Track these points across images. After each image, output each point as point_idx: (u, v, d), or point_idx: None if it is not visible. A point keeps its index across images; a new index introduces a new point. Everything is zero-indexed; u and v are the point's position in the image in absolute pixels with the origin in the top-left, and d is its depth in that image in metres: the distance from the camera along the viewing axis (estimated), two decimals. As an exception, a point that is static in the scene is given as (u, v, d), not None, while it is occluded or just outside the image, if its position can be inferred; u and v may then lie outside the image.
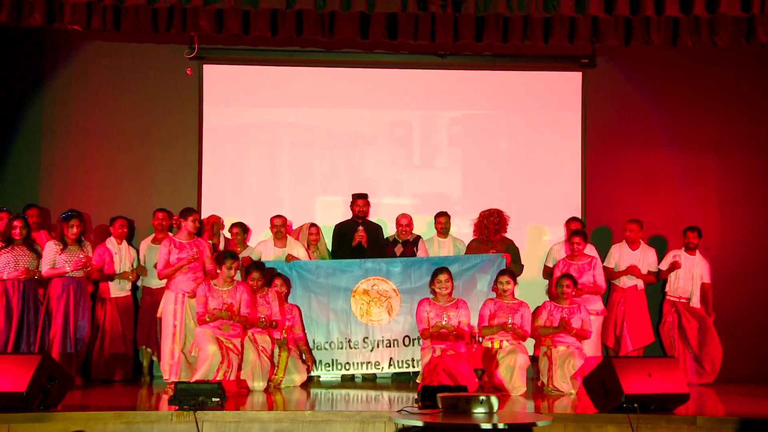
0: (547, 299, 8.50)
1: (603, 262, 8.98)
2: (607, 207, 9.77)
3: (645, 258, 9.03)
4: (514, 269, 8.66)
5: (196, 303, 7.72)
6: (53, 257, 7.67)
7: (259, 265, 8.18)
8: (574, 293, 8.05)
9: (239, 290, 7.73)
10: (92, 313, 8.26)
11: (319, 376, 8.63)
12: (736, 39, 8.48)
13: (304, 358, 8.35)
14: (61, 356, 7.56)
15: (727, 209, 9.93)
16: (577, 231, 8.79)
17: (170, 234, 8.55)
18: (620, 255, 9.04)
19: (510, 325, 7.77)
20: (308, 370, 8.33)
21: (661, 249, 9.36)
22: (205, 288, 7.72)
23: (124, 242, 8.88)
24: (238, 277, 7.90)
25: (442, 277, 7.93)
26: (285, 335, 8.15)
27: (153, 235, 9.00)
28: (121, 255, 8.76)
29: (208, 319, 7.56)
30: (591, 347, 8.22)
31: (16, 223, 7.76)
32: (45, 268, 7.68)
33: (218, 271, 7.77)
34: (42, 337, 7.66)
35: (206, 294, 7.67)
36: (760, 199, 9.93)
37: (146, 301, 8.89)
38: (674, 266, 8.90)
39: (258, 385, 7.65)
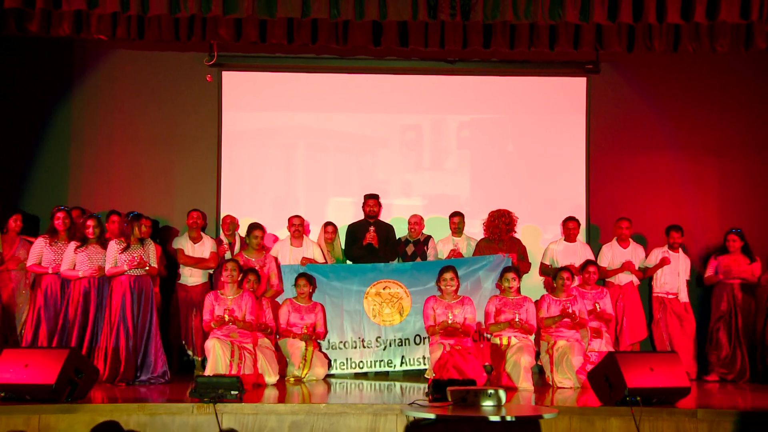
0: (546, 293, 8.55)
1: (597, 259, 8.96)
2: (611, 208, 9.72)
3: (636, 255, 9.00)
4: (521, 267, 8.69)
5: (204, 311, 7.78)
6: (114, 256, 7.62)
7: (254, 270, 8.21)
8: (571, 285, 8.09)
9: (245, 298, 7.75)
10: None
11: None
12: (736, 45, 8.50)
13: (329, 351, 8.39)
14: (115, 351, 7.51)
15: (727, 211, 9.91)
16: (569, 218, 9.04)
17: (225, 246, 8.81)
18: (612, 253, 8.99)
19: (517, 322, 7.77)
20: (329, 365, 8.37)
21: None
22: (212, 297, 7.77)
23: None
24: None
25: (448, 275, 7.94)
26: (306, 330, 8.15)
27: (186, 232, 8.92)
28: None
29: (213, 326, 7.59)
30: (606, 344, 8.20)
31: (89, 222, 7.78)
32: (108, 266, 7.65)
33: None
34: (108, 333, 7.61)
35: (213, 302, 7.72)
36: (759, 201, 9.90)
37: (180, 296, 8.81)
38: (663, 262, 8.86)
39: (270, 379, 7.65)
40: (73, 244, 7.79)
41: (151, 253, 7.78)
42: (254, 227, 8.55)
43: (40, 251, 7.84)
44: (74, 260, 7.73)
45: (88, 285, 7.71)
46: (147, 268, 7.67)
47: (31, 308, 7.86)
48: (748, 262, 8.66)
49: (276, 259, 8.61)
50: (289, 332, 8.14)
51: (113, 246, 7.64)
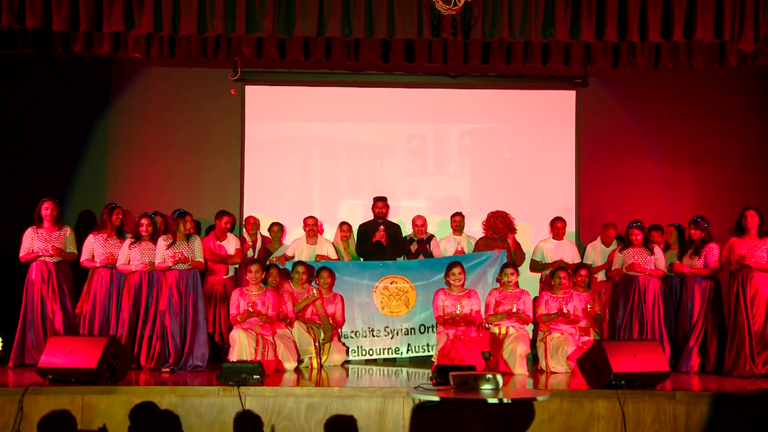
0: (543, 288, 8.51)
1: (581, 259, 8.93)
2: (598, 209, 9.74)
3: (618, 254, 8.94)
4: (514, 257, 8.71)
5: (230, 305, 7.76)
6: (162, 252, 7.60)
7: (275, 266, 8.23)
8: (567, 284, 8.06)
9: (267, 295, 7.76)
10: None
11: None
12: (710, 62, 8.46)
13: (343, 340, 8.37)
14: (163, 340, 7.49)
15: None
16: (557, 218, 9.01)
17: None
18: (595, 251, 8.96)
19: (515, 312, 7.77)
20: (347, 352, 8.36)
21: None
22: (237, 293, 7.77)
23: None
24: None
25: (456, 270, 7.94)
26: (328, 318, 8.16)
27: (213, 232, 8.83)
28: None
29: (239, 320, 7.59)
30: None
31: (143, 221, 7.80)
32: (157, 261, 7.64)
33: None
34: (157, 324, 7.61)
35: (238, 298, 7.73)
36: (731, 205, 9.79)
37: (207, 290, 8.61)
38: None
39: (289, 365, 7.65)
40: (128, 240, 7.80)
41: (197, 249, 7.68)
42: (296, 264, 8.32)
43: (91, 246, 7.88)
44: (128, 255, 7.74)
45: (139, 279, 7.71)
46: (190, 263, 7.60)
47: (84, 299, 7.90)
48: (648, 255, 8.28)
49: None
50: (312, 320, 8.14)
51: (161, 242, 7.62)
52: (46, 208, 7.79)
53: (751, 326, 7.51)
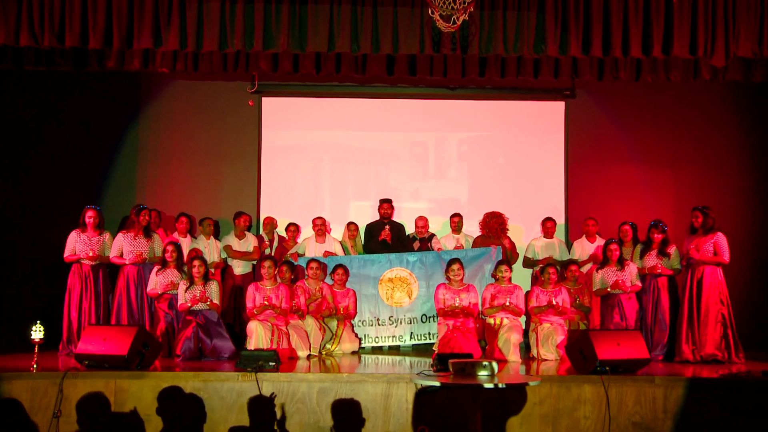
0: (534, 283, 8.52)
1: (569, 253, 8.91)
2: (585, 210, 9.65)
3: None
4: (509, 256, 8.70)
5: (247, 299, 7.74)
6: (182, 294, 7.59)
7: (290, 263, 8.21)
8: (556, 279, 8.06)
9: (280, 289, 7.73)
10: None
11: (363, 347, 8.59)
12: (686, 76, 8.46)
13: (355, 330, 8.37)
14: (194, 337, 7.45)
15: (680, 214, 9.80)
16: (548, 218, 8.93)
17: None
18: (582, 248, 8.90)
19: (508, 304, 7.77)
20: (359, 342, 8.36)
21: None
22: (253, 288, 7.74)
23: (212, 237, 8.78)
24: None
25: (455, 266, 7.96)
26: (342, 312, 8.17)
27: (233, 231, 8.90)
28: (210, 248, 8.65)
29: (256, 312, 7.58)
30: None
31: (168, 248, 7.82)
32: (179, 302, 7.67)
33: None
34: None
35: (254, 292, 7.70)
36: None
37: (229, 283, 8.80)
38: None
39: (302, 353, 7.64)
40: (155, 267, 7.80)
41: (214, 292, 7.64)
42: (310, 261, 8.28)
43: (120, 244, 7.90)
44: (156, 281, 7.75)
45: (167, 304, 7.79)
46: (208, 303, 7.55)
47: (116, 294, 7.92)
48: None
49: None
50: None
51: (181, 286, 7.59)
52: (90, 216, 7.85)
53: (700, 314, 7.56)
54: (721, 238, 7.67)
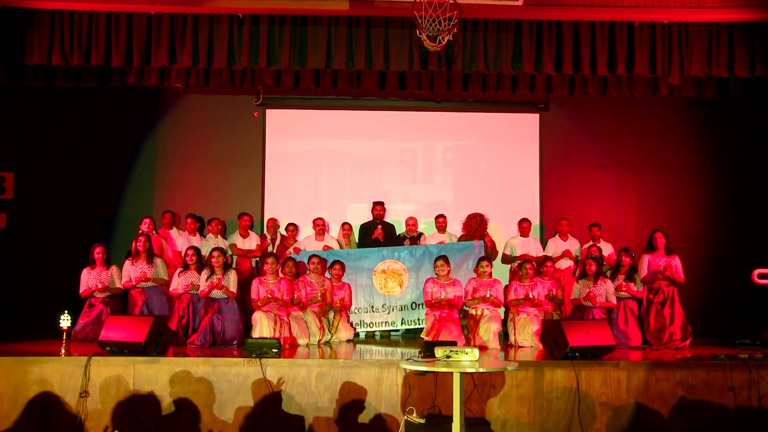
0: (512, 278, 8.51)
1: (543, 250, 8.92)
2: (558, 212, 9.69)
3: (573, 246, 8.91)
4: (490, 253, 8.71)
5: (251, 292, 7.68)
6: (204, 282, 7.56)
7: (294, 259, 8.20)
8: (533, 273, 8.08)
9: (282, 283, 7.71)
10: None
11: (358, 334, 8.56)
12: (647, 92, 8.56)
13: (350, 320, 8.36)
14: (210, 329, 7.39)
15: (643, 216, 9.90)
16: (524, 219, 8.92)
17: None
18: (555, 245, 8.92)
19: (489, 297, 7.77)
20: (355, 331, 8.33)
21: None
22: (257, 282, 7.71)
23: (220, 236, 8.77)
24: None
25: (440, 262, 7.93)
26: (338, 303, 8.14)
27: (237, 230, 8.88)
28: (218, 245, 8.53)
29: (260, 304, 7.56)
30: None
31: (189, 251, 7.74)
32: (200, 290, 7.59)
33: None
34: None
35: (258, 286, 7.67)
36: (667, 209, 9.89)
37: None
38: (590, 252, 8.82)
39: (301, 341, 7.64)
40: (178, 269, 7.74)
41: (231, 280, 7.55)
42: (312, 257, 8.23)
43: (128, 271, 7.75)
44: (178, 282, 7.67)
45: (187, 303, 7.67)
46: (224, 291, 7.46)
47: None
48: None
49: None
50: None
51: (203, 274, 7.55)
52: (98, 253, 7.74)
53: (664, 321, 7.59)
54: (678, 260, 7.73)
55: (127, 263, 7.80)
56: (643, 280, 7.82)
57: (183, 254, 7.86)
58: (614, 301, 7.72)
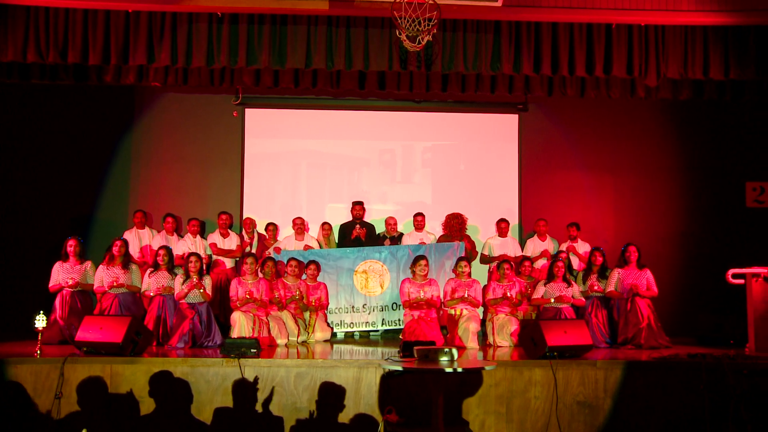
0: (491, 278, 8.53)
1: (522, 250, 8.96)
2: (536, 212, 9.77)
3: (551, 246, 8.97)
4: (470, 254, 8.73)
5: (230, 292, 7.63)
6: (179, 286, 7.48)
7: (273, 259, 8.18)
8: (512, 273, 8.11)
9: (261, 283, 7.69)
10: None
11: (335, 334, 8.56)
12: (624, 94, 8.62)
13: (328, 321, 8.33)
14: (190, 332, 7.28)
15: (620, 215, 10.00)
16: (502, 219, 8.91)
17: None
18: (534, 245, 8.99)
19: (467, 297, 7.79)
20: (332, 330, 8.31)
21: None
22: (236, 282, 7.68)
23: (198, 236, 8.71)
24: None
25: (422, 262, 7.92)
26: (314, 303, 8.13)
27: (217, 230, 8.82)
28: (196, 245, 8.52)
29: (239, 304, 7.53)
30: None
31: (160, 251, 7.60)
32: (175, 292, 7.51)
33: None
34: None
35: (237, 286, 7.64)
36: (644, 210, 9.99)
37: (213, 278, 8.50)
38: (570, 250, 8.86)
39: (280, 341, 7.61)
40: (148, 270, 7.60)
41: (206, 284, 7.47)
42: (290, 259, 8.23)
43: (101, 276, 7.52)
44: (149, 283, 7.54)
45: (157, 305, 7.52)
46: (202, 291, 7.38)
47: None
48: None
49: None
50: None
51: (178, 279, 7.46)
52: (71, 245, 7.55)
53: (635, 326, 7.61)
54: (650, 274, 7.78)
55: (101, 268, 7.57)
56: (608, 294, 7.86)
57: (156, 254, 7.73)
58: (583, 300, 7.85)
